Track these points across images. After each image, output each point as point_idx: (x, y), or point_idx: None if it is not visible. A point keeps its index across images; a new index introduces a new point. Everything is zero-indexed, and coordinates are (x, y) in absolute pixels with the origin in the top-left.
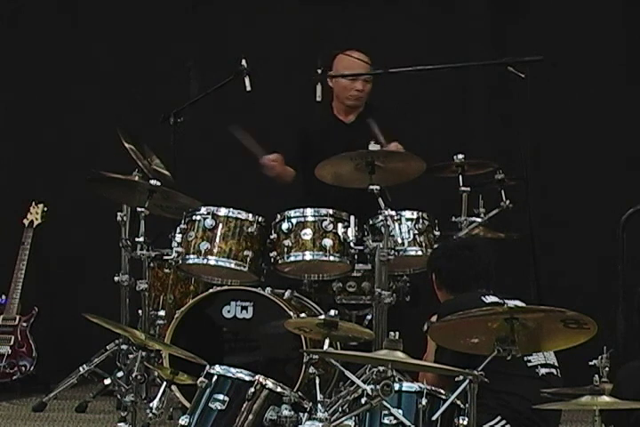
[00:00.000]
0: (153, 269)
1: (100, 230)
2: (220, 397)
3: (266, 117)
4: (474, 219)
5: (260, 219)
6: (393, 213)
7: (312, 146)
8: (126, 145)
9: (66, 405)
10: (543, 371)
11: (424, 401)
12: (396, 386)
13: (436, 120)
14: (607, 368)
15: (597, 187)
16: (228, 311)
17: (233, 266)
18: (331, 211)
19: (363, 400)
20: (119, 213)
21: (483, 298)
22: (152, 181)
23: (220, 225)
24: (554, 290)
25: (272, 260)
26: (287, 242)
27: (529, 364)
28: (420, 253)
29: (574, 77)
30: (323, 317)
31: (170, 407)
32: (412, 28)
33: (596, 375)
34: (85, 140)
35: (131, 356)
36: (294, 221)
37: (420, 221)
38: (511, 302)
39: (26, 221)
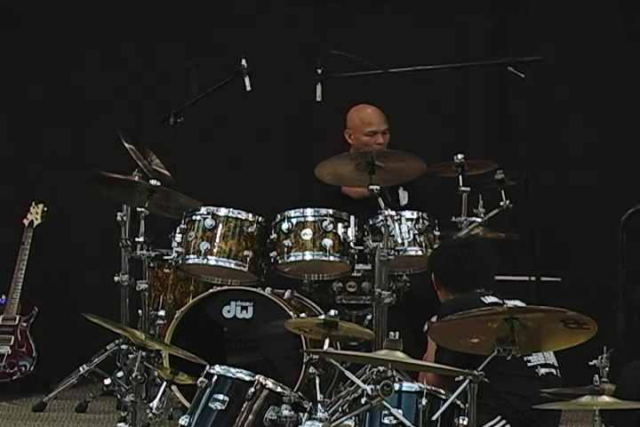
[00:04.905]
0: (153, 269)
1: (100, 230)
2: (220, 397)
3: (266, 117)
4: (474, 219)
5: (259, 219)
6: (393, 213)
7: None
8: (126, 145)
9: (66, 405)
10: (543, 371)
11: (424, 401)
12: (396, 386)
13: (435, 120)
14: (607, 368)
15: (597, 187)
16: (228, 311)
17: (233, 266)
18: (331, 211)
19: (363, 400)
20: (119, 213)
21: (482, 298)
22: (152, 181)
23: (220, 225)
24: (554, 290)
25: (272, 260)
26: (287, 242)
27: (529, 364)
28: (420, 253)
29: (574, 77)
30: (323, 317)
31: (170, 407)
32: (412, 28)
33: (596, 375)
34: (85, 140)
35: (131, 356)
36: (294, 221)
37: (420, 221)
38: (511, 302)
39: (26, 221)
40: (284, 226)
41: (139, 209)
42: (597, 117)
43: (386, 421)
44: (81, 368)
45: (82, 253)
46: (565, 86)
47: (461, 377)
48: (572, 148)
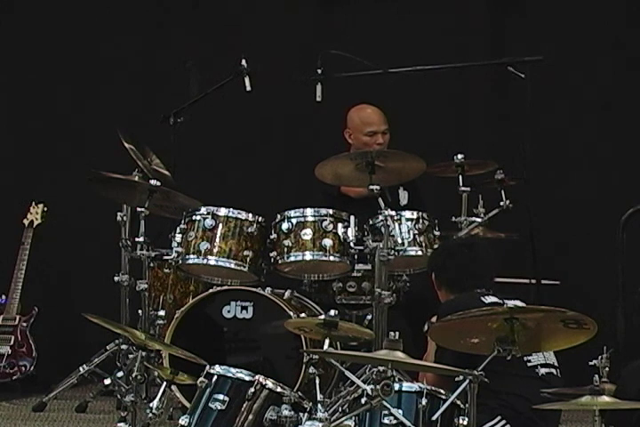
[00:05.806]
0: (153, 269)
1: (100, 230)
2: (220, 397)
3: (266, 117)
4: (474, 219)
5: (259, 219)
6: (393, 213)
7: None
8: (126, 145)
9: (66, 405)
10: (543, 371)
11: (424, 401)
12: (396, 386)
13: (436, 120)
14: (607, 368)
15: (597, 187)
16: (228, 311)
17: (233, 266)
18: (331, 211)
19: (363, 400)
20: (119, 213)
21: (482, 298)
22: (152, 181)
23: (220, 225)
24: (554, 290)
25: (272, 260)
26: (287, 242)
27: (529, 364)
28: (419, 253)
29: (574, 77)
30: (323, 317)
31: (170, 407)
32: (411, 27)
33: (596, 375)
34: (85, 140)
35: (131, 356)
36: (294, 221)
37: (420, 221)
38: (511, 302)
39: (26, 221)
40: (284, 226)
41: (139, 209)
42: (597, 117)
43: (386, 421)
44: (81, 368)
45: (82, 253)
46: (565, 86)
47: (461, 377)
48: (572, 148)
